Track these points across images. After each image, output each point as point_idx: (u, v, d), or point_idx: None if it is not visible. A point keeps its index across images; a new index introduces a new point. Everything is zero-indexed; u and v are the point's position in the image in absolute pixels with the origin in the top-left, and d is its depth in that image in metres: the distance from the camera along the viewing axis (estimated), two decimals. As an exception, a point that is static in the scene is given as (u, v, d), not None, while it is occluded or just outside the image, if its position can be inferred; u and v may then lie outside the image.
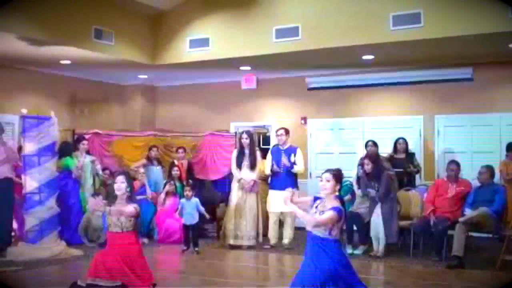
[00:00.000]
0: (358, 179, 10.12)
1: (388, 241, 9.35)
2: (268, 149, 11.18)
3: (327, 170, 6.11)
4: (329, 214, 5.62)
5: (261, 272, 8.38)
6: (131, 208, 6.86)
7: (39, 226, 9.32)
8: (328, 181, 5.94)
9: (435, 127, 12.26)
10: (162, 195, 11.18)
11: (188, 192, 9.98)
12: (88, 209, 8.34)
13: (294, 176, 10.36)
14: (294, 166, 10.27)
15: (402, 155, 10.69)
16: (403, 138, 10.79)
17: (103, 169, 11.52)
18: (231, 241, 10.20)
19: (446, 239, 8.92)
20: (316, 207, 6.01)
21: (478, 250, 9.50)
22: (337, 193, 5.93)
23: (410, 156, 10.76)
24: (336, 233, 5.81)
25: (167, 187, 11.23)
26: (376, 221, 9.38)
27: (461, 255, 8.44)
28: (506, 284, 5.08)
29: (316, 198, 6.07)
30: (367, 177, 9.73)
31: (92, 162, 11.18)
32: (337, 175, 6.04)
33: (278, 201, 10.11)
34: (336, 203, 5.94)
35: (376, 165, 9.66)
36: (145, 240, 10.34)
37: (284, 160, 10.26)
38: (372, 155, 9.98)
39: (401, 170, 10.35)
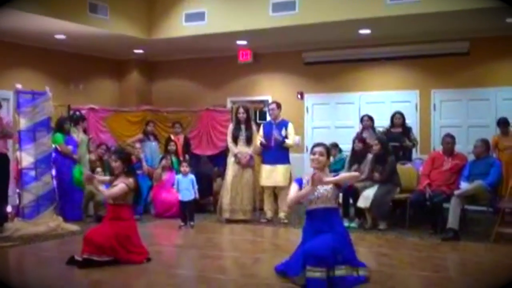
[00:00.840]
0: (352, 154, 10.11)
1: (375, 214, 9.36)
2: (265, 124, 11.16)
3: (319, 144, 6.17)
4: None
5: (257, 245, 8.38)
6: (121, 185, 6.92)
7: (35, 201, 9.32)
8: (322, 155, 6.07)
9: (431, 101, 12.25)
10: (159, 170, 11.16)
11: (184, 168, 9.94)
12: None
13: (287, 150, 10.33)
14: (285, 140, 10.23)
15: (399, 129, 10.66)
16: (399, 113, 10.77)
17: (99, 145, 11.49)
18: (228, 215, 10.20)
19: (441, 212, 8.94)
20: (307, 183, 6.07)
21: (473, 223, 9.54)
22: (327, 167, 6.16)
23: (407, 130, 10.74)
24: (336, 201, 6.10)
25: (163, 162, 11.20)
26: (368, 194, 9.38)
27: (456, 227, 8.45)
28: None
29: (299, 181, 6.16)
30: (375, 159, 9.78)
31: (89, 140, 11.15)
32: (328, 148, 6.24)
33: (271, 175, 10.16)
34: (330, 173, 6.14)
35: (384, 148, 9.69)
36: (137, 216, 10.31)
37: (275, 134, 10.21)
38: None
39: (397, 144, 10.33)
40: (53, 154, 10.03)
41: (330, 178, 6.00)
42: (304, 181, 6.17)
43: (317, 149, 6.16)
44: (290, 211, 10.30)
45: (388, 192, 9.44)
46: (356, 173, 5.95)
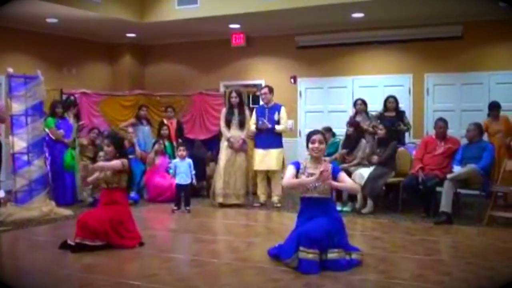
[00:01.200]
0: (346, 138, 10.11)
1: (366, 193, 9.39)
2: (258, 108, 11.13)
3: (316, 132, 6.17)
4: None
5: (250, 229, 8.39)
6: (115, 161, 6.92)
7: (28, 186, 9.29)
8: (322, 143, 6.09)
9: (424, 85, 12.25)
10: (152, 155, 11.13)
11: (182, 152, 9.90)
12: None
13: (279, 134, 10.32)
14: (275, 126, 10.19)
15: (392, 113, 10.65)
16: (393, 97, 10.75)
17: (91, 129, 11.45)
18: (221, 200, 10.19)
19: (434, 196, 8.96)
20: (305, 170, 6.08)
21: (465, 207, 9.58)
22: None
23: (400, 114, 10.73)
24: (335, 194, 6.12)
25: (156, 147, 11.18)
26: (362, 172, 9.40)
27: (449, 211, 8.48)
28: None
29: (297, 165, 6.18)
30: (377, 143, 9.85)
31: (78, 126, 11.10)
32: (324, 135, 6.26)
33: (264, 159, 10.15)
34: (325, 160, 6.16)
35: (388, 132, 9.75)
36: (131, 201, 10.29)
37: (263, 121, 10.16)
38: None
39: (392, 128, 10.31)
40: (46, 138, 10.01)
41: (335, 183, 6.02)
42: (302, 166, 6.18)
43: (316, 137, 6.12)
44: (283, 195, 10.32)
45: (383, 174, 9.46)
46: (357, 187, 6.09)
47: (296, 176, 6.12)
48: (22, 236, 7.89)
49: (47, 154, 9.83)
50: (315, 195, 6.04)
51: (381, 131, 9.78)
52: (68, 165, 10.29)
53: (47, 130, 10.11)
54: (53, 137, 10.25)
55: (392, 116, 10.59)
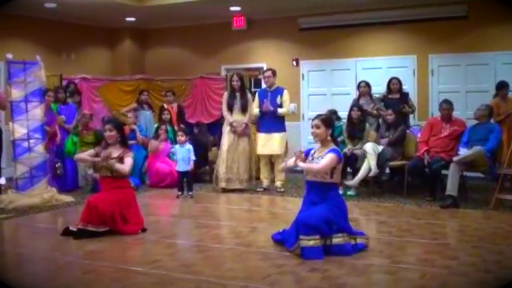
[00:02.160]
0: (349, 122, 10.04)
1: (369, 173, 9.37)
2: (260, 92, 11.08)
3: (316, 117, 6.19)
4: (329, 157, 5.95)
5: (253, 214, 8.39)
6: (129, 161, 6.91)
7: (29, 173, 9.28)
8: (318, 127, 6.10)
9: (429, 66, 12.16)
10: (156, 142, 11.05)
11: (181, 137, 9.86)
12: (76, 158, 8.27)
13: (282, 118, 10.29)
14: (278, 109, 10.16)
15: (396, 95, 10.60)
16: (396, 78, 10.69)
17: (92, 115, 11.44)
18: (224, 185, 10.19)
19: (440, 179, 8.94)
20: (312, 156, 6.10)
21: (472, 190, 9.52)
22: (329, 138, 6.15)
23: (404, 96, 10.68)
24: (337, 177, 6.05)
25: (162, 135, 11.07)
26: (366, 151, 9.42)
27: (455, 194, 8.44)
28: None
29: (307, 152, 6.20)
30: (386, 127, 9.88)
31: (83, 115, 11.10)
32: (326, 119, 6.22)
33: (267, 143, 10.13)
34: (332, 145, 6.11)
35: (397, 117, 9.83)
36: (133, 186, 10.28)
37: (266, 104, 10.12)
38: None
39: (395, 110, 10.27)
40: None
41: (302, 164, 6.06)
42: (312, 151, 6.21)
43: (313, 122, 6.21)
44: (287, 180, 10.32)
45: (389, 157, 9.46)
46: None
47: (305, 161, 6.14)
48: (23, 223, 7.89)
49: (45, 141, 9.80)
50: (312, 179, 6.05)
51: (390, 117, 9.75)
52: (69, 151, 10.28)
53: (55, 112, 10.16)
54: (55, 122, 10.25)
55: (396, 98, 10.55)
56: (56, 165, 10.10)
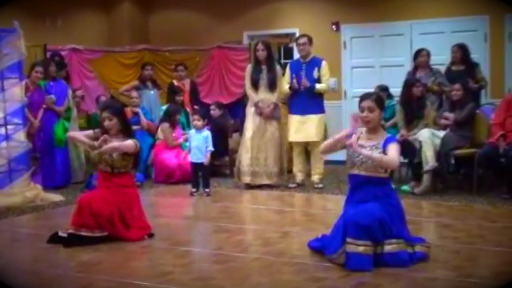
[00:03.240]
0: (404, 100, 9.95)
1: (429, 166, 9.30)
2: (291, 63, 11.06)
3: (366, 96, 6.06)
4: (396, 148, 5.87)
5: (285, 216, 8.37)
6: (130, 141, 6.87)
7: (6, 166, 9.34)
8: (371, 110, 5.97)
9: (505, 29, 12.03)
10: (174, 134, 11.04)
11: (197, 121, 9.84)
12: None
13: (320, 96, 10.26)
14: (316, 85, 10.13)
15: (461, 67, 10.50)
16: (461, 45, 10.58)
17: (83, 96, 11.51)
18: (248, 180, 10.21)
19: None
20: (357, 140, 6.02)
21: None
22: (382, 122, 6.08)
23: (472, 67, 10.56)
24: (390, 171, 5.97)
25: (176, 120, 11.05)
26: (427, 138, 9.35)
27: (539, 190, 8.39)
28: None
29: (351, 132, 6.10)
30: (450, 106, 9.82)
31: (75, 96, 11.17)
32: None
33: (301, 127, 10.10)
34: (385, 133, 6.07)
35: (466, 92, 9.69)
36: (138, 183, 10.30)
37: (303, 78, 10.09)
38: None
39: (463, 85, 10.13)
40: (42, 108, 10.19)
41: (366, 152, 5.86)
42: (356, 136, 6.05)
43: (364, 103, 6.01)
44: (326, 173, 10.30)
45: (455, 141, 9.40)
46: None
47: (346, 146, 6.06)
48: (0, 228, 7.93)
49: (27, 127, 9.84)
50: (362, 173, 5.98)
51: (458, 92, 9.63)
52: (59, 139, 10.35)
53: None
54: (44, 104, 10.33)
55: (461, 71, 10.43)
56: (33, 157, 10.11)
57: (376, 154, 5.83)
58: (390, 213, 5.83)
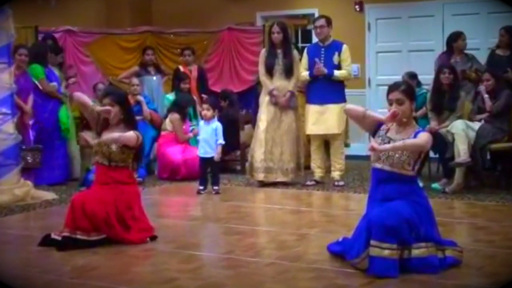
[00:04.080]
0: (436, 89, 9.92)
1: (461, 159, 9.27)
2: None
3: (394, 87, 6.02)
4: (426, 136, 5.83)
5: (302, 217, 8.39)
6: (131, 133, 6.88)
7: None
8: (401, 103, 5.92)
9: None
10: (185, 126, 11.10)
11: (206, 111, 9.81)
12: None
13: (341, 84, 10.28)
14: (334, 72, 10.12)
15: (506, 52, 10.42)
16: (507, 28, 10.46)
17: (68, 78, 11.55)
18: (262, 177, 10.23)
19: None
20: (385, 136, 5.99)
21: None
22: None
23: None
24: (417, 168, 5.95)
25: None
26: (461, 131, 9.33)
27: None
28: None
29: (379, 123, 6.08)
30: (481, 97, 9.77)
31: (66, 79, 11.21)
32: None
33: (320, 118, 10.10)
34: (416, 126, 6.04)
35: (498, 81, 9.64)
36: (139, 179, 10.32)
37: (318, 64, 10.07)
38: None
39: (505, 74, 10.06)
40: (31, 94, 10.22)
41: (388, 145, 5.84)
42: (385, 127, 6.06)
43: (392, 95, 5.97)
44: (348, 169, 10.30)
45: (492, 134, 9.39)
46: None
47: (373, 136, 6.05)
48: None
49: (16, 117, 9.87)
50: (386, 168, 5.96)
51: (488, 82, 9.59)
52: (66, 129, 10.41)
53: (35, 81, 10.24)
54: (45, 91, 10.36)
55: (506, 56, 10.34)
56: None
57: (398, 142, 5.80)
58: (419, 213, 5.81)
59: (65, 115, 10.49)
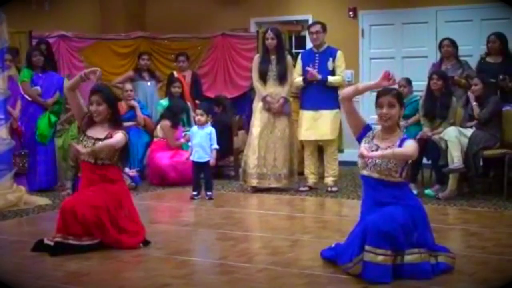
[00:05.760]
0: (428, 95, 9.95)
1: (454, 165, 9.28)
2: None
3: (386, 91, 6.03)
4: (413, 145, 5.81)
5: (296, 223, 8.40)
6: (120, 135, 6.83)
7: (-15, 166, 9.38)
8: (392, 106, 5.91)
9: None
10: (177, 133, 11.08)
11: (200, 117, 9.82)
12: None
13: (334, 90, 10.23)
14: (328, 78, 10.13)
15: (498, 59, 10.42)
16: (500, 34, 10.51)
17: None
18: (255, 182, 10.23)
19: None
20: (369, 142, 6.00)
21: None
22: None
23: (509, 59, 10.46)
24: (405, 175, 5.94)
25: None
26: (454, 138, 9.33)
27: None
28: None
29: (367, 127, 6.10)
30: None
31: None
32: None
33: (314, 124, 10.11)
34: (401, 132, 6.04)
35: (486, 86, 9.64)
36: (133, 184, 10.31)
37: (310, 70, 10.09)
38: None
39: (493, 80, 10.08)
40: (19, 98, 10.27)
41: (376, 153, 5.82)
42: (371, 133, 6.05)
43: (383, 99, 5.97)
44: (341, 176, 10.30)
45: (484, 140, 9.40)
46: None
47: (359, 141, 6.05)
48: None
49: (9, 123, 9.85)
50: (374, 175, 5.95)
51: (476, 87, 9.61)
52: (41, 135, 10.35)
53: (20, 84, 10.26)
54: (25, 94, 10.35)
55: (497, 64, 10.35)
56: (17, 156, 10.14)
57: (387, 150, 5.78)
58: (413, 217, 5.81)
59: (45, 121, 10.41)
